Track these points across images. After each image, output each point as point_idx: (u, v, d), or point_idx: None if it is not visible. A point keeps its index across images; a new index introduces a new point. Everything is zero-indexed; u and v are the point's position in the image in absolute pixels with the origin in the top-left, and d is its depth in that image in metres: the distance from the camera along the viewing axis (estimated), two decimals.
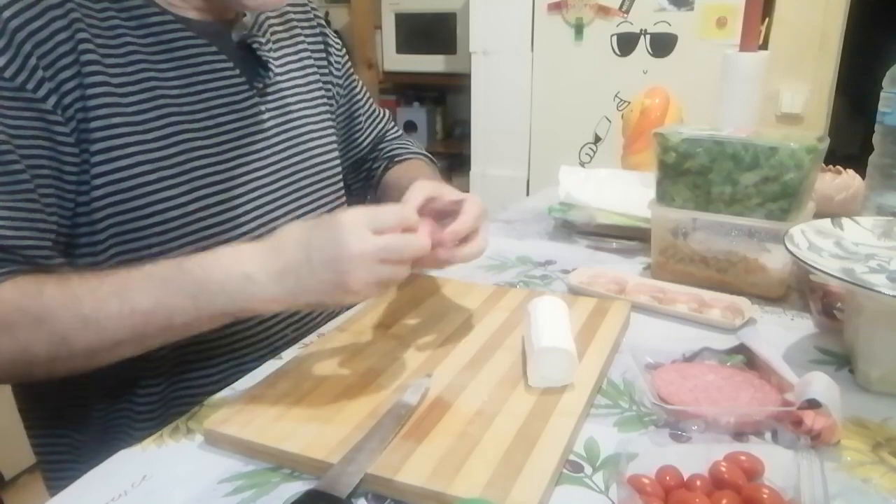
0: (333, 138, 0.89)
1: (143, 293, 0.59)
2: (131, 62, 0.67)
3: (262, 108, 0.77)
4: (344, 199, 0.91)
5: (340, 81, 0.95)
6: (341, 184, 0.90)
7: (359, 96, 0.99)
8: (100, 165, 0.64)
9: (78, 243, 0.66)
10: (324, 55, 0.91)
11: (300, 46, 0.87)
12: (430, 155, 1.06)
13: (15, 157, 0.60)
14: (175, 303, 0.59)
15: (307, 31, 0.89)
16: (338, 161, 0.89)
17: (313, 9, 0.93)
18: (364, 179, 1.03)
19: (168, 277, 0.59)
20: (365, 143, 1.01)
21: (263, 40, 0.79)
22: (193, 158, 0.69)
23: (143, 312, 0.58)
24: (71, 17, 0.63)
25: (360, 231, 0.56)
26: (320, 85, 0.89)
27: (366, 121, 1.01)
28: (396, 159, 1.00)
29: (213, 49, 0.72)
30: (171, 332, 0.61)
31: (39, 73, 0.61)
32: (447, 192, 0.69)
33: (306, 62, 0.87)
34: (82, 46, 0.63)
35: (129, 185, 0.65)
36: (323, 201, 0.86)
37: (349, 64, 0.98)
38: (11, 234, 0.60)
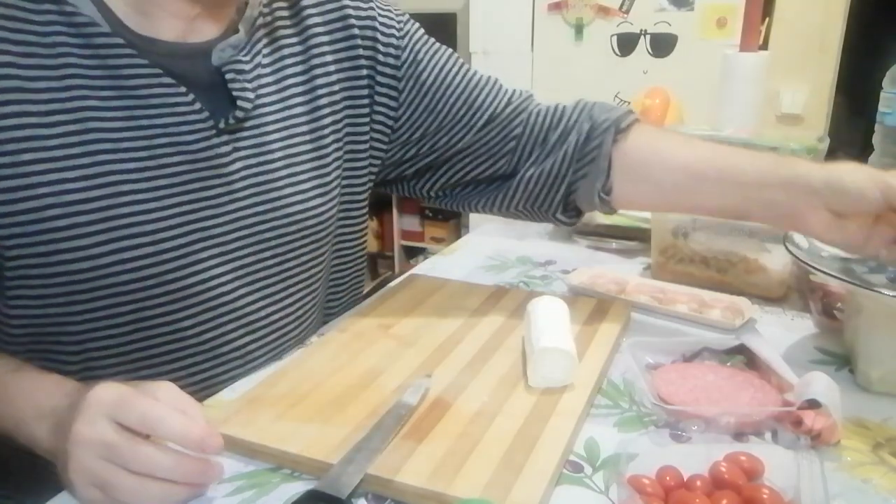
0: (331, 178, 0.73)
1: None
2: (68, 87, 0.58)
3: (229, 147, 0.65)
4: (324, 255, 0.75)
5: (402, 83, 0.77)
6: (323, 237, 0.74)
7: (436, 83, 0.77)
8: (5, 205, 0.57)
9: None
10: (362, 64, 0.75)
11: (314, 62, 0.72)
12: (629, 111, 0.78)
13: None
14: None
15: (336, 35, 0.74)
16: (328, 207, 0.73)
17: (360, 6, 0.76)
18: (515, 164, 0.79)
19: None
20: (472, 131, 0.78)
21: (248, 66, 0.67)
22: (120, 204, 0.60)
23: None
24: None
25: (94, 412, 0.48)
26: (343, 105, 0.74)
27: (465, 104, 0.78)
28: (622, 126, 0.75)
29: (169, 80, 0.62)
30: None
31: None
32: None
33: (318, 81, 0.72)
34: None
35: (35, 229, 0.58)
36: (297, 256, 0.72)
37: (415, 49, 0.78)
38: None
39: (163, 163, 0.62)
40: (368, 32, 0.75)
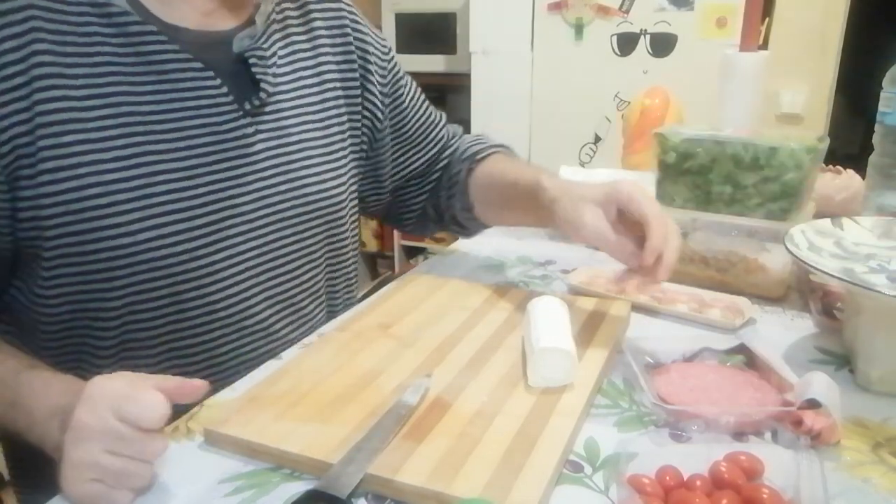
0: (342, 164, 0.81)
1: None
2: (102, 73, 0.63)
3: (253, 129, 0.71)
4: (345, 233, 0.83)
5: (384, 99, 0.87)
6: (342, 216, 0.82)
7: (408, 109, 0.90)
8: (47, 186, 0.61)
9: (32, 255, 0.64)
10: (356, 67, 0.83)
11: (321, 59, 0.80)
12: (507, 146, 0.94)
13: None
14: None
15: (336, 40, 0.82)
16: (342, 189, 0.80)
17: (351, 14, 0.84)
18: (431, 191, 0.94)
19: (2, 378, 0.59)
20: (422, 159, 0.92)
21: (268, 53, 0.73)
22: (155, 183, 0.64)
23: None
24: (29, 26, 0.60)
25: (98, 405, 0.49)
26: (343, 102, 0.82)
27: (422, 134, 0.92)
28: (478, 157, 0.89)
29: (198, 65, 0.67)
30: None
31: None
32: (632, 205, 0.67)
33: (326, 77, 0.80)
34: (36, 59, 0.60)
35: (77, 207, 0.61)
36: (312, 235, 0.78)
37: (397, 75, 0.89)
38: None
39: (193, 143, 0.67)
40: (360, 45, 0.84)
